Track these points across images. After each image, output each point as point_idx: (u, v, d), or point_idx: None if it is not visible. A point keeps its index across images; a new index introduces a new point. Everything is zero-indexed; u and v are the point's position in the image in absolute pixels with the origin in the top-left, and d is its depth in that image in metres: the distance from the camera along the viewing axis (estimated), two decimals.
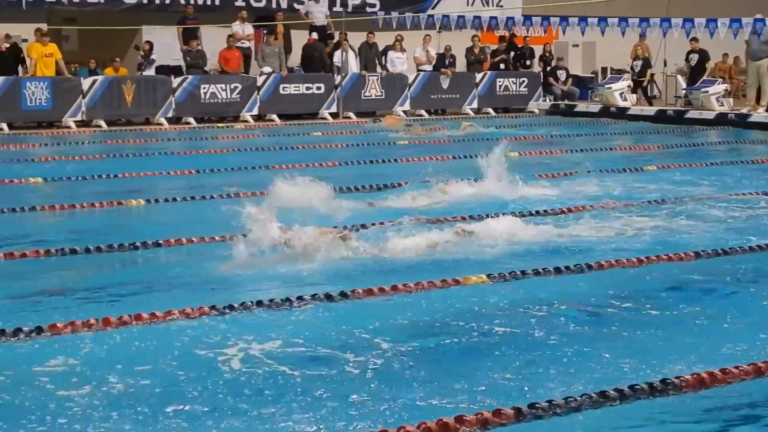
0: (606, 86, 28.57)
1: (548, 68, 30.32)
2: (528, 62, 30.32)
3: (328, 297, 7.78)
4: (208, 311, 7.37)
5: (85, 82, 24.54)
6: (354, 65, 27.81)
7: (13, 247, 9.81)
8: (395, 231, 9.93)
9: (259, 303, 7.59)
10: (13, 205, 12.24)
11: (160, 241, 9.95)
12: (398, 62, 28.26)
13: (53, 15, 27.52)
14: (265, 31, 27.74)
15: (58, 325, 6.97)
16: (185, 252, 9.74)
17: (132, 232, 10.53)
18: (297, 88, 26.69)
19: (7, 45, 24.38)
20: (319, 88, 26.96)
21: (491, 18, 30.49)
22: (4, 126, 23.40)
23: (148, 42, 26.77)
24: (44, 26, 25.39)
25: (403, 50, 28.42)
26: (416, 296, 7.96)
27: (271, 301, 7.66)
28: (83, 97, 24.29)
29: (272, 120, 25.89)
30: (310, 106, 26.81)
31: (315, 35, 27.92)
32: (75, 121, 24.12)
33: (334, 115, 26.75)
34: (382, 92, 27.61)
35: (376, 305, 7.71)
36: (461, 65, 29.91)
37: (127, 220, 11.95)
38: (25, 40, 25.48)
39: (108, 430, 5.26)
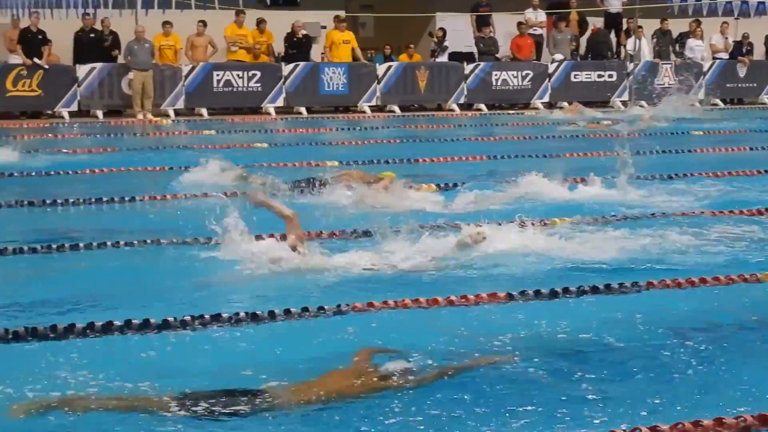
0: None
1: None
2: None
3: None
4: None
5: (380, 68, 25.17)
6: (647, 53, 27.29)
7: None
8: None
9: None
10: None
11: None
12: (698, 50, 27.51)
13: (351, 2, 28.36)
14: (557, 18, 27.58)
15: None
16: None
17: (425, 216, 10.67)
18: (588, 76, 26.44)
19: (304, 32, 25.26)
20: (610, 76, 26.62)
21: None
22: (303, 110, 24.30)
23: (441, 29, 27.14)
24: (342, 13, 26.17)
25: (701, 37, 27.67)
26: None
27: None
28: (377, 83, 24.90)
29: (562, 107, 25.70)
30: (600, 94, 26.47)
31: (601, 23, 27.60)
32: (369, 106, 24.77)
33: (624, 104, 26.37)
34: (675, 80, 26.93)
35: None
36: (759, 53, 28.80)
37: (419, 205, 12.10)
38: (324, 27, 26.38)
39: None
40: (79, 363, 6.09)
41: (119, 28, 23.86)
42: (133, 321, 6.82)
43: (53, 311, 7.26)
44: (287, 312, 7.11)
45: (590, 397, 5.65)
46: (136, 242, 9.34)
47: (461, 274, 8.41)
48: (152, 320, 6.86)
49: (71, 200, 11.75)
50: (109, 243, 9.29)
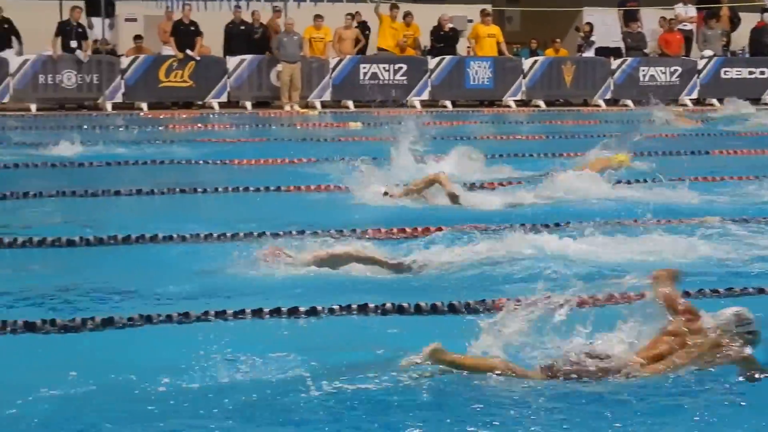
0: None
1: None
2: None
3: None
4: None
5: (526, 63, 25.09)
6: None
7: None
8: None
9: None
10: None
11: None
12: None
13: None
14: (708, 14, 27.05)
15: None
16: None
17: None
18: (739, 72, 25.89)
19: (451, 26, 25.34)
20: (762, 73, 26.02)
21: None
22: (448, 104, 24.38)
23: (588, 23, 26.91)
24: (489, 7, 26.17)
25: None
26: None
27: None
28: (523, 77, 24.83)
29: (712, 104, 25.22)
30: (752, 91, 25.85)
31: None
32: (514, 101, 24.72)
33: None
34: None
35: None
36: None
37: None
38: (470, 21, 26.41)
39: None
40: None
41: (268, 20, 24.31)
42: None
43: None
44: None
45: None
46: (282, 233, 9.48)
47: None
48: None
49: (220, 189, 12.05)
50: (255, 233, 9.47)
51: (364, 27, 25.18)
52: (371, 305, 7.14)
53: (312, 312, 7.02)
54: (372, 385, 5.58)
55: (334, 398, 5.43)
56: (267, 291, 7.64)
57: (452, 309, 7.19)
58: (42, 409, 5.27)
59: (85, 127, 19.79)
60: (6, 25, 22.81)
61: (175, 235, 9.26)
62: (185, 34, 23.43)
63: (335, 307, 7.10)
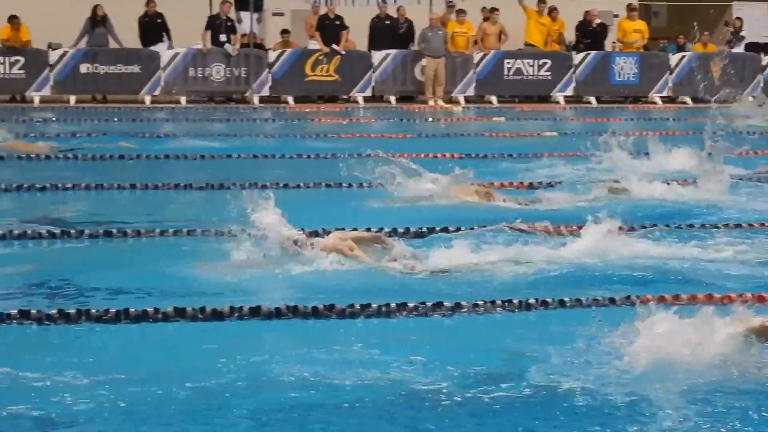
0: None
1: None
2: None
3: None
4: None
5: (673, 58, 24.69)
6: None
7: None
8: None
9: None
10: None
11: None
12: None
13: None
14: None
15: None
16: None
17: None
18: None
19: (599, 21, 25.09)
20: None
21: None
22: (593, 100, 24.16)
23: (738, 18, 26.33)
24: (635, 2, 25.82)
25: None
26: None
27: None
28: (670, 73, 24.44)
29: None
30: None
31: None
32: (660, 97, 24.36)
33: None
34: None
35: None
36: None
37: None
38: (616, 16, 26.10)
39: None
40: None
41: (413, 15, 24.44)
42: None
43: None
44: None
45: None
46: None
47: None
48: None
49: (365, 184, 12.14)
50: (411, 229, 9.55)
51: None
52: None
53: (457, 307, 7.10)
54: None
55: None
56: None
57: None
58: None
59: (233, 119, 20.25)
60: (158, 20, 23.43)
61: (320, 230, 9.41)
62: (330, 28, 23.73)
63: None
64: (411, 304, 7.08)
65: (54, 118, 19.62)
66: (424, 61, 23.40)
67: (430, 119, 21.37)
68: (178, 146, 15.85)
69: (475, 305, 7.12)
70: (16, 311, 6.75)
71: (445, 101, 23.39)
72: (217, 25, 23.55)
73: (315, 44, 23.92)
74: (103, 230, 9.30)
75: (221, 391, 5.51)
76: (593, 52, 24.40)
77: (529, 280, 7.91)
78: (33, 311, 6.78)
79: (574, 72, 24.25)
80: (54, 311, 6.79)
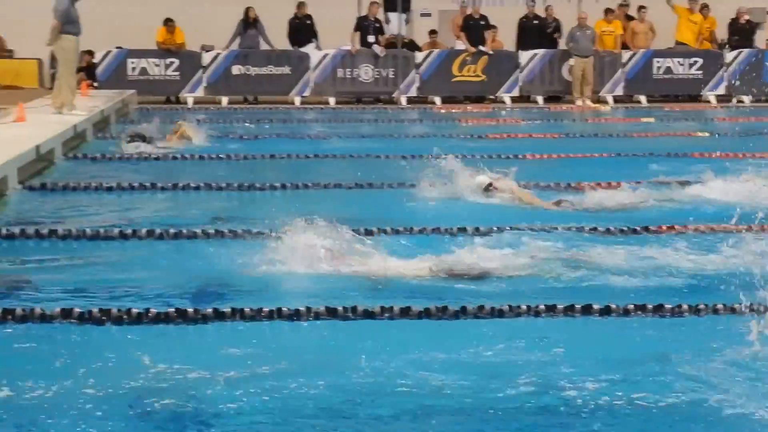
0: None
1: None
2: None
3: None
4: None
5: None
6: None
7: None
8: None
9: None
10: None
11: None
12: None
13: None
14: None
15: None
16: None
17: None
18: None
19: (747, 18, 24.56)
20: None
21: None
22: (745, 99, 23.62)
23: None
24: None
25: None
26: None
27: None
28: None
29: None
30: None
31: None
32: None
33: None
34: None
35: None
36: None
37: None
38: None
39: None
40: None
41: (561, 14, 24.29)
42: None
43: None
44: None
45: None
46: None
47: None
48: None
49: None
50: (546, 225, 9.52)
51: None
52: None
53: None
54: None
55: None
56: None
57: None
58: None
59: (380, 120, 20.43)
60: (308, 21, 23.80)
61: (468, 227, 9.46)
62: (475, 28, 23.75)
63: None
64: (560, 306, 7.06)
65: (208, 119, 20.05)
66: (571, 61, 23.23)
67: (578, 119, 21.20)
68: (328, 146, 16.09)
69: (626, 310, 7.07)
70: (173, 310, 6.95)
71: (593, 101, 23.17)
72: (365, 27, 23.80)
73: (462, 44, 23.96)
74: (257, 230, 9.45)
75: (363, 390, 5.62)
76: (746, 50, 23.87)
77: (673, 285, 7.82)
78: (190, 310, 6.96)
79: (725, 70, 23.75)
80: (209, 310, 6.97)
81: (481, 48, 23.57)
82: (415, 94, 23.69)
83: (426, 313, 6.98)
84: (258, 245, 8.34)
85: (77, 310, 6.86)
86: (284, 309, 6.96)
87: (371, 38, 23.73)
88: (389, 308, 6.99)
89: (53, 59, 17.89)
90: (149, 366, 5.87)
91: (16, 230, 9.37)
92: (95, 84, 22.96)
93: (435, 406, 5.41)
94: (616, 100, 23.63)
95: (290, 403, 5.45)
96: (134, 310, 6.91)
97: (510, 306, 7.03)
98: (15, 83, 26.49)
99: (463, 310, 7.01)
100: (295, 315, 6.92)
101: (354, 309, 6.97)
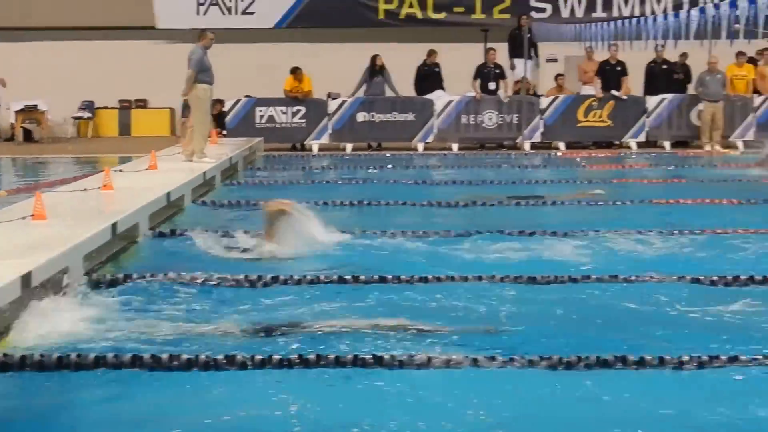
0: None
1: None
2: None
3: None
4: None
5: None
6: None
7: None
8: None
9: None
10: None
11: None
12: None
13: None
14: None
15: None
16: None
17: None
18: None
19: None
20: None
21: None
22: None
23: None
24: None
25: None
26: None
27: None
28: None
29: None
30: None
31: None
32: None
33: None
34: None
35: None
36: None
37: None
38: None
39: None
40: None
41: (690, 59, 23.98)
42: None
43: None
44: None
45: None
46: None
47: None
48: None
49: (643, 231, 11.86)
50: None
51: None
52: None
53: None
54: None
55: None
56: None
57: None
58: None
59: (504, 165, 20.35)
60: (436, 69, 23.98)
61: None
62: (611, 74, 23.63)
63: None
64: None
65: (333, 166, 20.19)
66: (701, 106, 22.88)
67: (706, 165, 20.80)
68: (452, 191, 16.03)
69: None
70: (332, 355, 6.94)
71: (723, 146, 22.75)
72: (485, 74, 23.85)
73: (588, 89, 23.81)
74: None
75: None
76: None
77: None
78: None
79: None
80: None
81: (614, 93, 23.41)
82: (539, 140, 23.59)
83: None
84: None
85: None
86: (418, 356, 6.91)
87: (492, 85, 23.76)
88: None
89: (185, 108, 18.19)
90: None
91: (147, 275, 9.50)
92: (224, 132, 23.41)
93: None
94: (747, 145, 23.14)
95: None
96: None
97: None
98: (149, 132, 27.25)
99: None
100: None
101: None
